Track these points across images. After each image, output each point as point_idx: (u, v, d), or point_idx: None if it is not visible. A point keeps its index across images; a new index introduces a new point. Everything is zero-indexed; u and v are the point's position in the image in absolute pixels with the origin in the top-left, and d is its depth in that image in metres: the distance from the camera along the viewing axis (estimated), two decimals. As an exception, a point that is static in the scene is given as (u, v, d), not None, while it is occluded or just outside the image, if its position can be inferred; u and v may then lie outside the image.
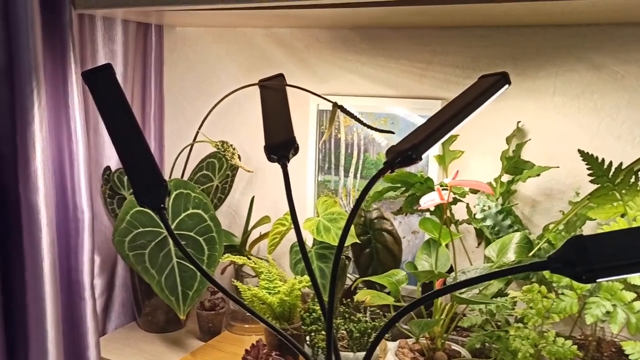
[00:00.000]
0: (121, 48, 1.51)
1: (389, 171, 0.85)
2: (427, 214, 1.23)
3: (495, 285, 1.07)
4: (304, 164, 1.44)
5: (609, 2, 0.92)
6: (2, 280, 1.20)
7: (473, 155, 1.28)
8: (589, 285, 0.89)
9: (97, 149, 1.47)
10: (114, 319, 1.55)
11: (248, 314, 1.45)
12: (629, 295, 0.85)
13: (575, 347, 0.87)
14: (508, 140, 1.22)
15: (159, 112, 1.64)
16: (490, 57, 1.25)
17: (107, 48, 1.48)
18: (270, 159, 0.94)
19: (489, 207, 1.13)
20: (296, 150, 0.94)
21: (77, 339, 1.28)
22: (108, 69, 0.91)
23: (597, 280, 0.64)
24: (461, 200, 1.20)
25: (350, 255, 1.29)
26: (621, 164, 0.89)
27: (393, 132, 1.12)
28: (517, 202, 1.23)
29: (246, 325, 1.45)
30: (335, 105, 1.12)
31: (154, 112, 1.63)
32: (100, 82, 0.92)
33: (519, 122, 1.22)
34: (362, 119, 1.21)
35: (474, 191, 1.22)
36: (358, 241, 1.20)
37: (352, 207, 1.38)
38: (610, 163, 0.88)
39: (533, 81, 1.22)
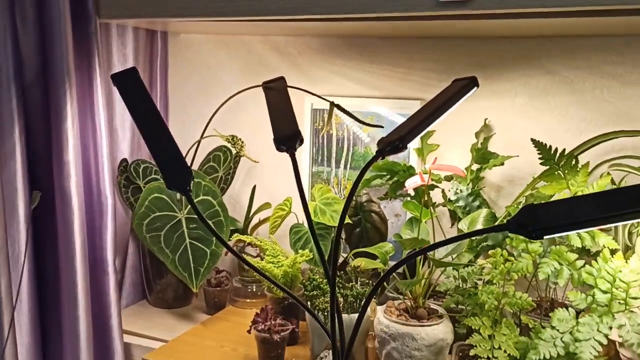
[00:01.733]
0: (132, 52, 1.67)
1: (381, 158, 1.04)
2: (409, 198, 1.43)
3: (466, 257, 1.28)
4: (300, 157, 1.63)
5: (547, 23, 1.14)
6: (37, 257, 1.37)
7: (447, 148, 1.48)
8: (541, 250, 1.09)
9: (112, 144, 1.64)
10: (125, 297, 1.71)
11: (249, 289, 1.64)
12: (573, 256, 1.05)
13: (530, 299, 1.07)
14: (477, 135, 1.43)
15: (164, 111, 1.81)
16: (463, 63, 1.46)
17: (120, 52, 1.64)
18: (280, 150, 1.11)
19: (461, 191, 1.33)
20: (301, 141, 1.12)
21: (102, 309, 1.44)
22: (134, 72, 1.07)
23: (544, 237, 0.84)
24: (437, 186, 1.40)
25: (343, 234, 1.48)
26: (564, 149, 1.10)
27: (382, 127, 1.31)
28: (485, 187, 1.43)
29: (248, 300, 1.63)
30: (332, 104, 1.31)
31: (160, 112, 1.79)
32: (128, 83, 1.07)
33: (486, 119, 1.43)
34: (349, 117, 1.41)
35: (448, 179, 1.42)
36: (350, 222, 1.39)
37: (342, 194, 1.57)
38: (557, 149, 1.10)
39: (498, 84, 1.43)
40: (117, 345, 1.46)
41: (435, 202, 1.41)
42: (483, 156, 1.38)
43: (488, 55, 1.43)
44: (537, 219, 0.84)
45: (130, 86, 1.08)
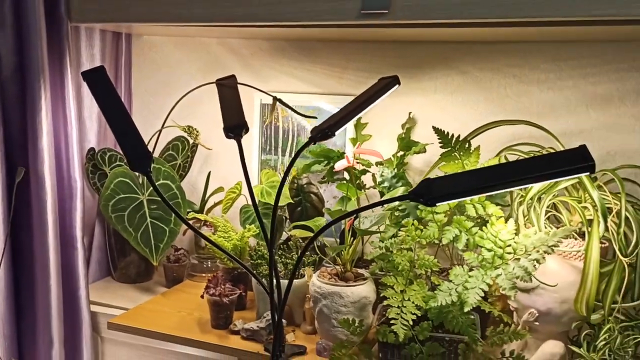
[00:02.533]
0: (99, 53, 1.85)
1: (313, 143, 1.24)
2: (344, 181, 1.64)
3: (391, 230, 1.49)
4: (250, 146, 1.83)
5: (462, 32, 1.36)
6: (15, 232, 1.53)
7: (378, 138, 1.70)
8: (445, 219, 1.31)
9: (81, 134, 1.81)
10: (92, 274, 1.88)
11: (205, 265, 1.83)
12: (469, 224, 1.28)
13: (436, 260, 1.29)
14: (402, 126, 1.65)
15: (128, 106, 1.99)
16: (390, 64, 1.68)
17: (88, 53, 1.82)
18: (228, 137, 1.30)
19: (387, 174, 1.55)
20: (247, 130, 1.31)
21: (72, 281, 1.62)
22: (101, 69, 1.24)
23: (437, 204, 1.04)
24: (369, 171, 1.62)
25: (286, 214, 1.68)
26: (459, 135, 1.33)
27: (316, 117, 1.52)
28: (409, 171, 1.66)
29: (204, 275, 1.82)
30: (275, 98, 1.51)
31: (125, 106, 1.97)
32: (96, 79, 1.25)
33: (410, 112, 1.65)
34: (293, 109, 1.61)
35: (379, 164, 1.63)
36: (292, 201, 1.59)
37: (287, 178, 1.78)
38: (453, 135, 1.32)
39: (420, 82, 1.65)
40: (85, 314, 1.64)
41: (365, 185, 1.63)
42: (407, 144, 1.59)
43: (412, 57, 1.65)
44: (431, 190, 1.03)
45: (98, 82, 1.24)
